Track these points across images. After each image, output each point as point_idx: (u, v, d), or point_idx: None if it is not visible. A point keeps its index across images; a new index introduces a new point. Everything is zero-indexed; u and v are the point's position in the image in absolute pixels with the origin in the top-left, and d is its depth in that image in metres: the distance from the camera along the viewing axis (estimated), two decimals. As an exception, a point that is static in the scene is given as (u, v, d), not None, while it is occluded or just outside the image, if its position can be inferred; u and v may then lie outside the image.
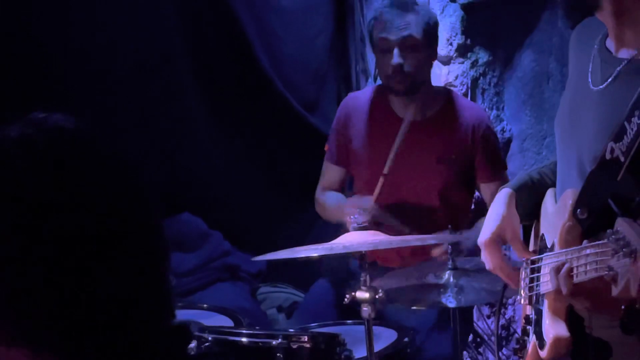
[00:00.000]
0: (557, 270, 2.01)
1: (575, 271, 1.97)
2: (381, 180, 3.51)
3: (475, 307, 4.19)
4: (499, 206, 2.40)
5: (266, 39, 4.44)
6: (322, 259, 4.05)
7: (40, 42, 3.90)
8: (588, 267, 1.90)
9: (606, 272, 1.79)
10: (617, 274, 1.74)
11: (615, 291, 1.76)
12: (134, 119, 4.22)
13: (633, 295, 1.71)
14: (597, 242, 1.86)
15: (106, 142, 1.23)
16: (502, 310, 4.74)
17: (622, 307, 1.87)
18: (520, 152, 4.83)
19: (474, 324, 4.18)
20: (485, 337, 4.45)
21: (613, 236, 1.74)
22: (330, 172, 3.87)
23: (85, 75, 4.03)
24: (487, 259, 2.39)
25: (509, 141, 4.79)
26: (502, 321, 4.75)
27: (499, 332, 4.71)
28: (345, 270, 3.89)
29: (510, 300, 4.70)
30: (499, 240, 2.37)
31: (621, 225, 1.74)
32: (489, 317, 4.71)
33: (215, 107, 4.42)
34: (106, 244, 1.15)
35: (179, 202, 4.34)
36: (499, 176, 3.71)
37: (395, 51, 3.57)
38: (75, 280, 1.13)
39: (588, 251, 1.91)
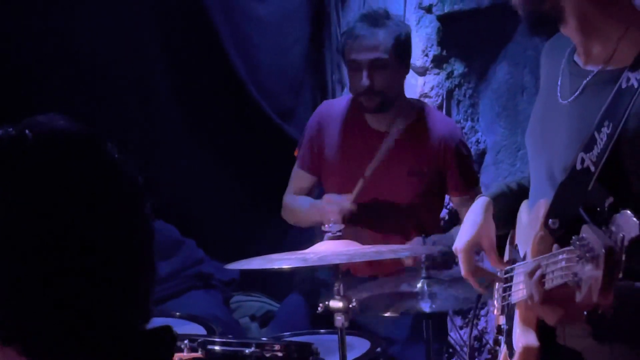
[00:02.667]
0: (531, 274, 2.02)
1: (547, 277, 1.98)
2: (361, 181, 3.53)
3: (448, 318, 4.20)
4: (476, 214, 2.41)
5: (242, 47, 4.44)
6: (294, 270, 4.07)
7: (11, 43, 3.89)
8: (555, 274, 1.92)
9: (571, 278, 1.80)
10: (581, 279, 1.76)
11: (578, 297, 1.78)
12: (107, 125, 4.18)
13: (594, 301, 1.72)
14: (565, 249, 1.87)
15: (106, 146, 1.25)
16: (475, 321, 4.76)
17: (585, 313, 1.88)
18: (494, 163, 4.85)
19: (448, 335, 4.19)
20: (458, 348, 4.46)
21: (578, 242, 1.76)
22: (300, 179, 3.87)
23: (58, 83, 4.03)
24: (462, 265, 2.40)
25: (483, 153, 4.81)
26: (474, 332, 4.77)
27: (472, 343, 4.72)
28: (314, 280, 3.89)
29: (482, 312, 4.72)
30: (474, 248, 2.38)
31: (586, 231, 1.76)
32: (461, 328, 4.72)
33: (190, 114, 4.42)
34: (92, 247, 1.16)
35: (152, 210, 4.32)
36: (471, 190, 3.72)
37: (364, 73, 3.58)
38: (62, 281, 1.14)
39: (556, 258, 1.92)
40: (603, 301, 1.70)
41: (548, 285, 1.96)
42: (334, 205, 3.47)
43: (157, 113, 4.36)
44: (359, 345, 3.25)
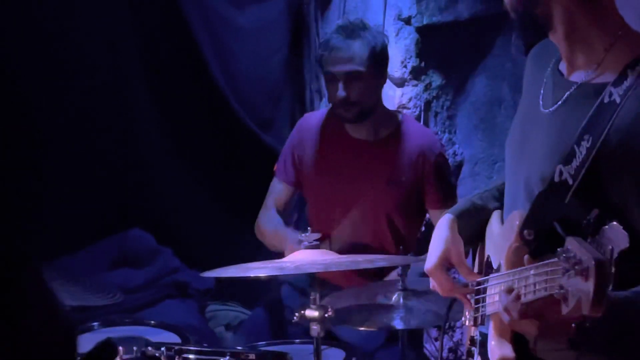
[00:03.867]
0: (508, 292, 2.02)
1: (523, 291, 1.97)
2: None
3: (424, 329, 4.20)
4: (442, 231, 2.40)
5: (222, 56, 4.44)
6: (269, 280, 4.07)
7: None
8: (537, 287, 1.90)
9: (557, 291, 1.79)
10: (568, 292, 1.74)
11: (565, 310, 1.76)
12: (86, 133, 4.20)
13: (584, 313, 1.71)
14: (548, 261, 1.86)
15: None
16: (450, 333, 4.76)
17: (573, 325, 1.88)
18: (471, 176, 4.86)
19: (423, 347, 4.19)
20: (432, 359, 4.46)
21: (564, 255, 1.75)
22: (280, 192, 3.86)
23: (41, 90, 4.02)
24: (436, 285, 2.40)
25: (460, 165, 4.82)
26: (449, 344, 4.77)
27: (447, 355, 4.73)
28: (278, 293, 3.90)
29: (458, 323, 4.72)
30: (445, 265, 2.38)
31: (571, 243, 1.75)
32: (436, 339, 4.72)
33: (169, 123, 4.42)
34: None
35: (129, 218, 4.32)
36: (449, 204, 3.71)
37: (340, 85, 3.60)
38: None
39: (538, 270, 1.92)
40: (594, 313, 1.70)
41: (527, 298, 1.96)
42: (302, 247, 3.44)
43: (135, 122, 4.37)
44: (333, 355, 3.24)
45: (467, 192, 4.66)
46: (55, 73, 4.08)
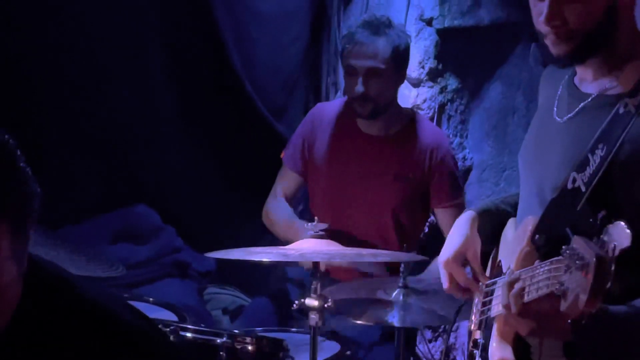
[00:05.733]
0: (510, 286, 2.04)
1: (527, 289, 1.99)
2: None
3: (418, 330, 4.21)
4: (462, 227, 2.42)
5: (241, 41, 4.44)
6: (270, 267, 4.08)
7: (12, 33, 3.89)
8: (540, 284, 1.93)
9: (557, 287, 1.82)
10: (568, 289, 1.77)
11: (563, 306, 1.79)
12: (101, 105, 4.20)
13: (580, 308, 1.73)
14: (552, 259, 1.88)
15: None
16: (444, 337, 4.77)
17: (569, 321, 1.90)
18: (478, 182, 4.87)
19: (416, 347, 4.20)
20: (425, 361, 4.47)
21: (568, 252, 1.77)
22: (287, 180, 3.88)
23: (55, 57, 4.03)
24: (445, 277, 2.41)
25: (469, 170, 4.83)
26: (442, 346, 4.78)
27: (438, 358, 4.73)
28: (283, 280, 3.91)
29: (453, 328, 4.73)
30: (460, 260, 2.39)
31: (576, 242, 1.77)
32: (430, 341, 4.73)
33: (183, 103, 4.41)
34: None
35: (136, 194, 4.33)
36: (455, 203, 3.73)
37: (360, 79, 3.61)
38: None
39: (542, 269, 1.94)
40: (590, 308, 1.72)
41: (530, 297, 1.97)
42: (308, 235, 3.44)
43: (150, 99, 4.36)
44: (328, 347, 3.25)
45: (474, 198, 4.67)
46: (72, 42, 4.08)
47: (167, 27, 4.33)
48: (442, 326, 4.73)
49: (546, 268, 1.91)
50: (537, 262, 2.01)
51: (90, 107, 4.18)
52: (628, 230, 1.71)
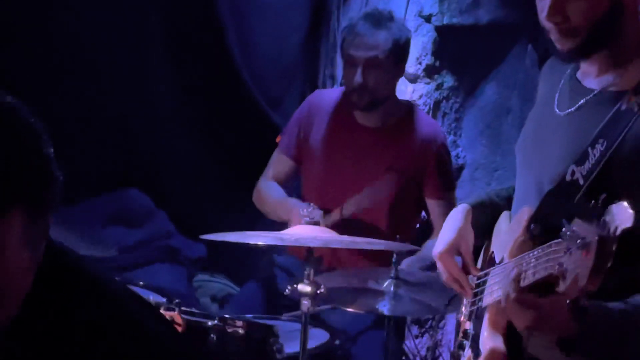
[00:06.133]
0: (506, 276, 2.05)
1: (523, 275, 2.00)
2: (338, 210, 3.56)
3: (406, 325, 4.22)
4: (456, 219, 2.44)
5: (240, 29, 4.45)
6: (260, 257, 4.08)
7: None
8: (538, 267, 1.94)
9: (556, 269, 1.83)
10: (567, 270, 1.78)
11: (562, 287, 1.80)
12: (98, 89, 4.20)
13: (580, 287, 1.75)
14: (551, 242, 1.90)
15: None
16: (431, 332, 4.78)
17: (567, 301, 1.91)
18: (470, 180, 4.89)
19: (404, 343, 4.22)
20: (411, 357, 4.48)
21: (568, 233, 1.78)
22: (280, 164, 3.89)
23: (54, 44, 4.03)
24: (443, 270, 2.43)
25: (461, 168, 4.85)
26: (429, 343, 4.80)
27: (424, 354, 4.75)
28: (273, 268, 3.91)
29: (440, 324, 4.74)
30: (454, 252, 2.41)
31: (577, 224, 1.78)
32: (417, 337, 4.75)
33: (180, 88, 4.42)
34: None
35: (129, 177, 4.33)
36: (446, 195, 3.76)
37: (359, 70, 3.62)
38: None
39: (540, 253, 1.95)
40: (591, 287, 1.73)
41: (528, 280, 1.99)
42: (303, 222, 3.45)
43: (147, 84, 4.36)
44: (318, 335, 3.26)
45: (465, 196, 4.68)
46: (69, 25, 4.08)
47: (167, 11, 4.33)
48: (429, 322, 4.75)
49: (545, 251, 1.93)
50: (534, 250, 2.03)
51: (86, 90, 4.17)
52: (631, 211, 1.72)
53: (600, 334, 2.01)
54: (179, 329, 2.84)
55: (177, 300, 2.90)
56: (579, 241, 1.74)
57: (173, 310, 2.85)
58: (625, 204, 1.74)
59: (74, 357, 1.40)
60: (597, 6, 2.11)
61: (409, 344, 4.46)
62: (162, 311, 2.85)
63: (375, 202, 3.68)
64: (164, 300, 3.27)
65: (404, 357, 4.39)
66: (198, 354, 1.66)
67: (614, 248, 1.71)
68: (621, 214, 1.72)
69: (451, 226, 2.44)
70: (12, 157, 1.31)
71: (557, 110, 2.25)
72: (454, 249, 2.42)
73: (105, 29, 4.16)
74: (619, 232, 1.71)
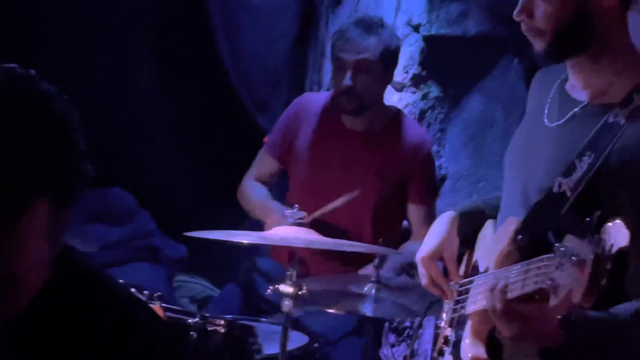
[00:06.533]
0: (493, 287, 2.06)
1: (511, 287, 2.01)
2: (320, 211, 3.56)
3: (383, 333, 4.23)
4: (441, 226, 2.45)
5: (230, 31, 4.47)
6: (240, 260, 4.08)
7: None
8: (527, 281, 1.95)
9: (547, 283, 1.83)
10: (559, 285, 1.79)
11: (553, 301, 1.80)
12: (84, 88, 4.19)
13: (573, 303, 1.75)
14: (544, 256, 1.90)
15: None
16: (408, 342, 4.79)
17: (559, 317, 1.92)
18: (452, 191, 4.90)
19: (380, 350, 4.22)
20: (388, 365, 4.48)
21: (562, 249, 1.79)
22: (265, 164, 3.89)
23: (39, 40, 4.02)
24: (423, 273, 2.43)
25: (443, 178, 4.86)
26: (406, 351, 4.80)
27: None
28: (254, 271, 3.91)
29: (418, 334, 4.74)
30: (437, 257, 2.42)
31: (570, 240, 1.79)
32: (393, 345, 4.75)
33: (166, 88, 4.42)
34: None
35: (112, 175, 4.32)
36: (428, 201, 3.79)
37: (349, 73, 3.63)
38: None
39: (530, 266, 1.95)
40: (584, 304, 1.73)
41: (516, 292, 1.99)
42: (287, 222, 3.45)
43: (133, 83, 4.37)
44: (297, 338, 3.26)
45: (445, 206, 4.63)
46: (55, 23, 4.08)
47: (156, 11, 4.33)
48: (407, 331, 4.75)
49: (535, 265, 1.93)
50: (522, 262, 2.03)
51: (72, 87, 4.15)
52: (626, 230, 1.73)
53: (582, 344, 2.02)
54: None
55: (158, 294, 2.89)
56: (573, 258, 1.74)
57: (154, 302, 2.85)
58: (621, 222, 1.75)
59: (76, 357, 1.38)
60: (560, 11, 2.13)
61: (385, 351, 4.46)
62: None
63: (359, 207, 3.70)
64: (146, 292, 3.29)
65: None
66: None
67: (609, 266, 1.71)
68: (617, 233, 1.73)
69: (436, 232, 2.45)
70: (44, 147, 1.29)
71: (546, 121, 2.26)
72: (437, 254, 2.43)
73: (93, 28, 4.17)
74: (614, 250, 1.72)
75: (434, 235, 2.45)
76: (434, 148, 4.75)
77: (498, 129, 4.92)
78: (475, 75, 4.83)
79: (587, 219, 1.78)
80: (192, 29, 4.42)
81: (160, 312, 2.84)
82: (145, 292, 2.94)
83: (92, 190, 4.29)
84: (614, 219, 1.76)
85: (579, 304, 1.74)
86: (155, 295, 2.87)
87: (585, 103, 2.19)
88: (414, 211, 3.77)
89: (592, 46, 2.15)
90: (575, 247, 1.75)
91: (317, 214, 3.52)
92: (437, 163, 4.73)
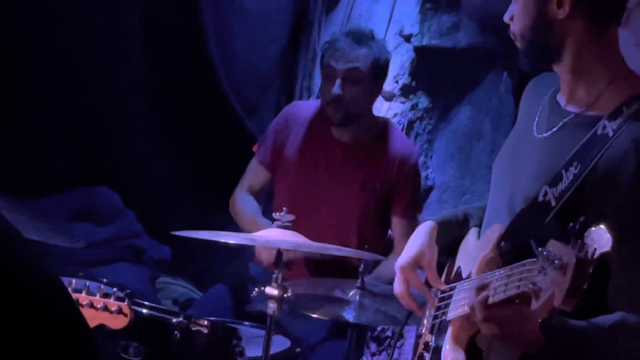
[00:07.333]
0: (478, 289, 2.07)
1: (493, 292, 2.02)
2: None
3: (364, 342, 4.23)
4: (420, 235, 2.47)
5: (221, 34, 4.48)
6: (224, 264, 4.08)
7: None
8: (509, 286, 1.96)
9: (529, 287, 1.84)
10: (541, 289, 1.80)
11: (534, 305, 1.82)
12: (74, 87, 4.20)
13: (554, 306, 1.77)
14: (526, 261, 1.91)
15: None
16: (389, 351, 4.80)
17: (540, 320, 1.94)
18: (438, 202, 4.91)
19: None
20: (368, 374, 4.49)
21: (544, 253, 1.80)
22: (256, 174, 3.89)
23: (32, 32, 4.02)
24: (402, 282, 2.45)
25: (429, 189, 4.87)
26: (386, 360, 4.81)
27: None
28: (244, 275, 3.91)
29: (398, 344, 4.76)
30: (416, 266, 2.44)
31: (553, 245, 1.80)
32: (374, 354, 4.76)
33: (156, 90, 4.43)
34: None
35: (99, 174, 4.33)
36: (412, 215, 3.79)
37: (338, 81, 3.64)
38: None
39: (512, 271, 1.97)
40: (565, 307, 1.75)
41: (498, 297, 2.00)
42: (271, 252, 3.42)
43: (123, 83, 4.37)
44: (279, 342, 3.27)
45: (431, 217, 4.71)
46: (48, 19, 4.09)
47: (147, 13, 4.34)
48: (388, 341, 4.77)
49: (518, 269, 1.94)
50: (505, 267, 2.05)
51: (62, 86, 4.17)
52: (609, 235, 1.75)
53: (561, 351, 2.04)
54: (126, 319, 2.83)
55: (128, 291, 2.89)
56: (556, 262, 1.75)
57: (122, 300, 2.84)
58: (603, 227, 1.77)
59: None
60: (523, 18, 2.21)
61: (366, 360, 4.47)
62: (111, 300, 2.85)
63: (344, 218, 3.71)
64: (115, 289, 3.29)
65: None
66: None
67: (590, 270, 1.72)
68: (600, 238, 1.75)
69: (415, 241, 2.47)
70: None
71: (535, 130, 2.28)
72: (416, 262, 2.44)
73: (82, 27, 4.17)
74: (597, 255, 1.74)
75: (413, 245, 2.47)
76: (421, 159, 4.77)
77: (486, 141, 4.94)
78: (465, 87, 4.86)
79: (571, 224, 1.79)
80: (183, 30, 4.43)
81: (127, 311, 2.84)
82: (114, 289, 2.95)
83: (79, 188, 4.30)
84: (598, 224, 1.78)
85: (560, 307, 1.75)
86: (125, 292, 2.86)
87: (575, 114, 2.21)
88: (396, 225, 3.77)
89: (563, 57, 2.18)
90: (557, 251, 1.77)
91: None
92: (424, 174, 4.75)
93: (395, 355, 4.79)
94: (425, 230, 2.48)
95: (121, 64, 4.32)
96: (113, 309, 2.83)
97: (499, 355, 2.16)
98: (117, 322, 2.83)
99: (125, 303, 2.82)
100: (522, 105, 2.48)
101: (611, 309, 2.06)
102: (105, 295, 2.85)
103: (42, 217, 3.26)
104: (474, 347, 2.22)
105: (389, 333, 4.76)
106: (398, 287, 2.47)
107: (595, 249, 1.74)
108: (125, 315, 2.83)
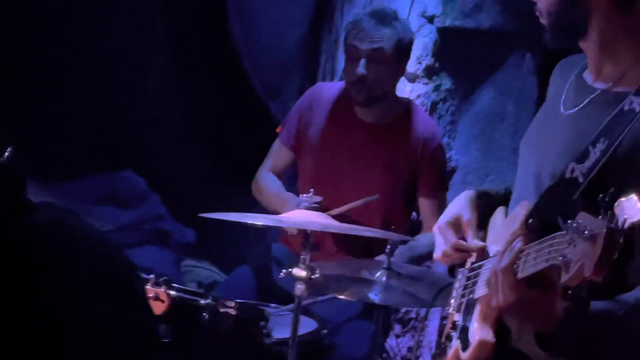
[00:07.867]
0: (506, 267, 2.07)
1: (521, 266, 2.03)
2: (337, 210, 3.56)
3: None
4: (460, 200, 2.48)
5: (244, 17, 4.47)
6: (248, 246, 4.09)
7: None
8: (538, 259, 1.96)
9: (559, 260, 1.84)
10: (570, 260, 1.80)
11: (564, 277, 1.82)
12: (98, 73, 4.22)
13: (585, 276, 1.77)
14: (555, 234, 1.92)
15: None
16: (412, 333, 4.81)
17: (569, 292, 1.93)
18: (462, 183, 4.90)
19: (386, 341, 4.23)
20: (392, 355, 4.50)
21: (574, 225, 1.81)
22: (280, 155, 3.90)
23: (54, 21, 4.04)
24: (441, 241, 2.44)
25: (453, 170, 4.86)
26: (410, 342, 4.82)
27: (405, 353, 4.77)
28: (266, 256, 3.92)
29: (421, 325, 4.76)
30: (455, 225, 2.42)
31: (583, 217, 1.81)
32: (398, 336, 4.77)
33: (179, 74, 4.44)
34: None
35: (125, 158, 4.35)
36: (439, 195, 3.78)
37: (362, 61, 3.63)
38: None
39: (542, 245, 1.97)
40: (596, 277, 1.75)
41: (527, 271, 2.01)
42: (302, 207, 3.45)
43: (146, 67, 4.39)
44: (306, 324, 3.28)
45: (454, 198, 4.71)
46: (68, 3, 4.10)
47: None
48: (412, 322, 4.77)
49: (546, 244, 1.95)
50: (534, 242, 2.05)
51: (88, 70, 4.19)
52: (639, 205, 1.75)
53: (580, 332, 2.04)
54: (163, 305, 2.86)
55: (164, 278, 2.90)
56: (586, 232, 1.75)
57: (160, 286, 2.86)
58: (635, 198, 1.77)
59: None
60: None
61: (390, 342, 4.48)
62: (149, 287, 2.87)
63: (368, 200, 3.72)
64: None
65: (384, 355, 4.42)
66: None
67: (621, 240, 1.73)
68: (631, 208, 1.75)
69: (455, 204, 2.48)
70: None
71: (562, 108, 2.28)
72: (456, 220, 2.43)
73: (108, 12, 4.18)
74: (627, 225, 1.74)
75: (453, 207, 2.47)
76: (445, 140, 4.76)
77: (509, 123, 4.93)
78: (487, 68, 4.84)
79: (601, 195, 1.79)
80: (206, 13, 4.43)
81: (164, 297, 2.86)
82: (152, 275, 2.98)
83: (104, 173, 4.32)
84: (629, 195, 1.78)
85: (591, 277, 1.75)
86: (161, 279, 2.88)
87: (602, 90, 2.21)
88: (424, 205, 3.77)
89: (589, 32, 2.18)
90: (587, 222, 1.77)
91: (335, 212, 3.52)
92: (447, 155, 4.75)
93: (421, 337, 4.80)
94: (465, 195, 2.49)
95: (146, 48, 4.33)
96: (151, 295, 2.84)
97: (528, 333, 2.17)
98: (155, 309, 2.84)
99: (162, 289, 2.84)
100: (550, 86, 2.47)
101: (630, 285, 2.05)
102: (144, 281, 2.87)
103: (68, 203, 3.29)
104: (501, 325, 2.22)
105: (413, 315, 4.76)
106: (437, 251, 2.47)
107: (625, 219, 1.74)
108: (162, 301, 2.85)
